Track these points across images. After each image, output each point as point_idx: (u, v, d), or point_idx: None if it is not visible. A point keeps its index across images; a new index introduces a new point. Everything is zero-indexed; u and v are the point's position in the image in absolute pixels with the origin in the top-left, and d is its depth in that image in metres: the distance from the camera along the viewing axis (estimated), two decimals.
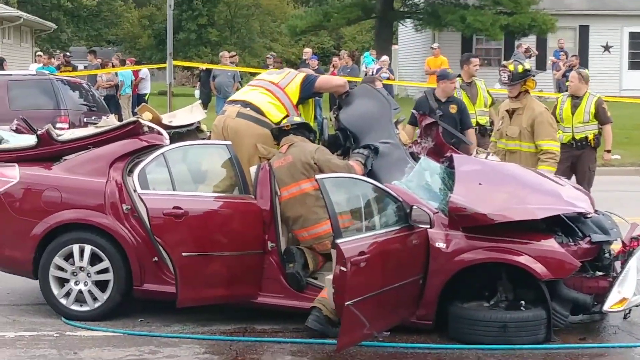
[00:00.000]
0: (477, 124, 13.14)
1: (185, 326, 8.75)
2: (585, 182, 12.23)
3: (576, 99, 12.67)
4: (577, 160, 12.65)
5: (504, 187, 8.79)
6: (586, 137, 12.65)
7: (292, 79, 9.69)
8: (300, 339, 8.36)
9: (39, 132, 9.23)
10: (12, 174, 9.08)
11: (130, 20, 60.14)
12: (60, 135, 9.37)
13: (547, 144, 10.88)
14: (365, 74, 29.45)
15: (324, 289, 8.30)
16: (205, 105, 26.83)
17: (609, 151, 13.14)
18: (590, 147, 12.66)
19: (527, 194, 8.72)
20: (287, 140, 8.98)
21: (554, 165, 10.84)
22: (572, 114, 12.62)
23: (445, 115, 11.84)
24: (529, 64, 11.89)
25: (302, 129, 9.07)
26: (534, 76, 11.36)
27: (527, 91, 11.16)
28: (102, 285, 8.87)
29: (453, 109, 12.14)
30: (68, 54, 31.64)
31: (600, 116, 12.60)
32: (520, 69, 11.09)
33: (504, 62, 11.64)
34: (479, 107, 13.26)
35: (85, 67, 30.58)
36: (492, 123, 13.21)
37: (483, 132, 13.24)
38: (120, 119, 13.00)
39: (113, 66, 28.33)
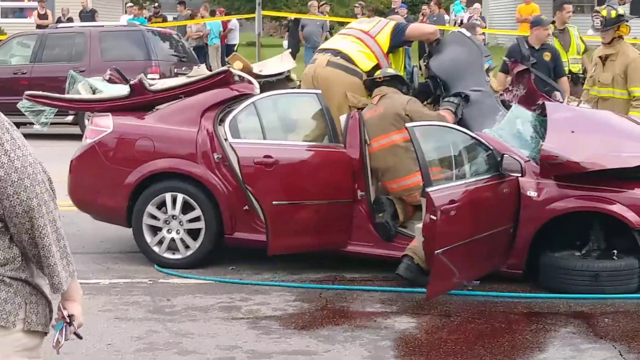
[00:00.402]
0: (570, 71, 12.94)
1: (275, 274, 8.84)
2: None
3: None
4: None
5: (597, 135, 8.66)
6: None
7: (382, 27, 9.63)
8: (389, 287, 8.38)
9: (131, 82, 9.34)
10: (106, 124, 9.22)
11: None
12: (152, 85, 9.47)
13: (639, 90, 10.67)
14: (455, 23, 29.20)
15: (415, 238, 8.29)
16: (293, 55, 26.85)
17: None
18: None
19: (621, 142, 8.59)
20: (379, 91, 8.94)
21: None
22: None
23: (538, 63, 11.65)
24: (623, 9, 11.64)
25: (394, 80, 9.02)
26: (627, 21, 11.14)
27: (620, 37, 10.96)
28: (194, 234, 8.98)
29: (547, 56, 11.94)
30: (157, 4, 31.84)
31: None
32: (613, 14, 10.90)
33: (596, 8, 11.48)
34: (571, 55, 13.05)
35: (174, 18, 30.80)
36: (584, 71, 13.02)
37: (576, 80, 13.04)
38: (209, 69, 13.09)
39: (202, 17, 28.47)
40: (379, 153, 8.74)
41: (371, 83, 9.11)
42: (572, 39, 13.12)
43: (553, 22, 13.20)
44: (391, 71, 9.10)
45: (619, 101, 10.79)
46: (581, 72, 13.04)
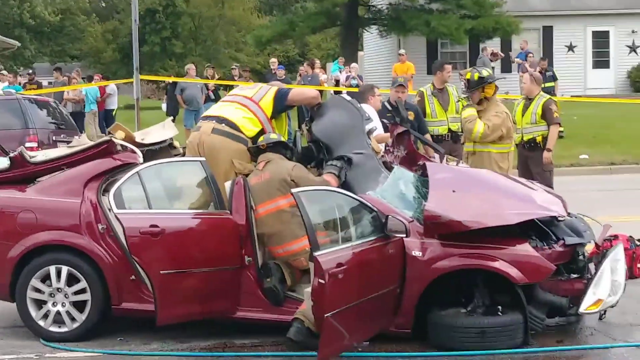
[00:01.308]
0: (449, 130, 13.29)
1: (164, 344, 8.75)
2: (542, 183, 12.40)
3: (528, 101, 12.97)
4: (530, 161, 12.92)
5: (478, 194, 8.86)
6: (534, 139, 12.89)
7: (265, 93, 9.72)
8: (280, 352, 8.39)
9: (11, 155, 9.21)
10: None
11: (94, 35, 59.90)
12: (33, 156, 9.36)
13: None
14: (336, 82, 29.57)
15: (304, 301, 8.33)
16: (173, 118, 26.84)
17: (548, 150, 13.13)
18: (540, 149, 12.86)
19: (501, 200, 8.81)
20: (264, 157, 9.00)
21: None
22: (522, 116, 12.92)
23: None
24: (488, 71, 12.10)
25: (278, 146, 9.09)
26: (490, 82, 11.65)
27: (487, 98, 11.55)
28: (80, 306, 8.85)
29: (410, 115, 12.21)
30: (31, 71, 31.49)
31: (546, 117, 12.81)
32: (476, 76, 11.54)
33: (461, 71, 12.07)
34: (450, 114, 13.37)
35: (50, 83, 30.45)
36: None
37: (455, 138, 13.36)
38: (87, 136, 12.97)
39: (75, 83, 28.22)
40: (265, 218, 8.78)
41: (256, 150, 9.17)
42: (450, 98, 13.45)
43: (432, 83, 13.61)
44: (274, 137, 9.16)
45: (485, 154, 11.30)
46: (460, 130, 13.37)
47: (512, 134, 12.05)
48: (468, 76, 11.69)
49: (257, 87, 10.07)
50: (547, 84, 25.00)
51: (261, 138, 9.20)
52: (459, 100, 13.36)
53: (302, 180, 8.65)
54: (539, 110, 12.82)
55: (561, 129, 23.98)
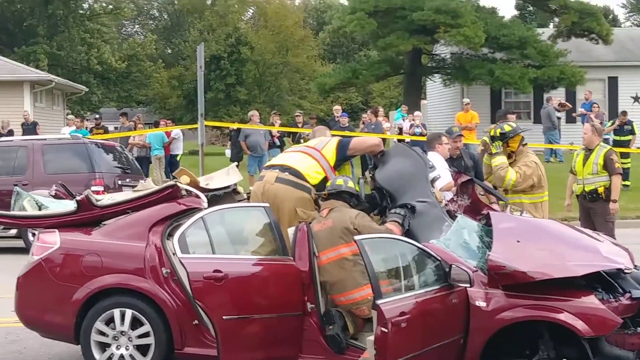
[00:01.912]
0: None
1: None
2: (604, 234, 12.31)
3: (588, 152, 12.89)
4: (592, 212, 12.81)
5: (543, 244, 8.77)
6: (596, 189, 12.78)
7: (327, 142, 9.80)
8: None
9: (78, 198, 9.32)
10: (53, 240, 9.17)
11: (160, 81, 60.67)
12: (99, 200, 9.46)
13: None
14: (399, 130, 29.57)
15: (366, 350, 8.28)
16: (237, 164, 26.99)
17: (614, 201, 13.06)
18: (602, 199, 12.76)
19: (566, 251, 8.71)
20: (328, 204, 9.01)
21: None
22: (583, 166, 12.83)
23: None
24: (510, 125, 12.03)
25: (342, 193, 9.10)
26: (512, 137, 11.62)
27: (513, 152, 11.78)
28: (143, 349, 8.89)
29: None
30: (97, 116, 31.94)
31: (608, 167, 12.72)
32: (497, 132, 11.65)
33: (485, 129, 12.20)
34: None
35: (116, 128, 30.83)
36: None
37: None
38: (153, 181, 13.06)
39: (137, 127, 28.56)
40: (327, 266, 8.77)
41: (320, 196, 9.19)
42: None
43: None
44: (340, 183, 9.11)
45: (518, 205, 11.29)
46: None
47: (544, 184, 11.90)
48: (492, 132, 11.81)
49: (320, 138, 10.15)
50: (624, 137, 24.83)
51: (328, 183, 9.20)
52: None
53: (365, 229, 8.63)
54: (600, 161, 12.74)
55: (627, 182, 23.83)
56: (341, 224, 8.75)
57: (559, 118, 32.72)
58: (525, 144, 11.97)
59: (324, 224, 8.85)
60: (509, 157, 11.73)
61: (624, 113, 26.88)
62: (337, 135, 10.37)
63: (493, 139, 11.75)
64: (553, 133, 32.14)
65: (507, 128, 11.83)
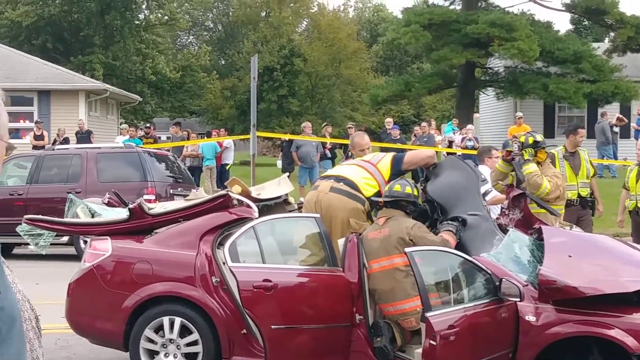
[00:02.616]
0: (579, 195, 13.11)
1: None
2: None
3: None
4: None
5: (594, 259, 8.71)
6: None
7: (383, 157, 9.82)
8: None
9: (131, 206, 9.40)
10: (105, 247, 9.25)
11: (213, 92, 61.04)
12: (151, 208, 9.54)
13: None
14: (450, 143, 29.51)
15: None
16: (288, 174, 27.11)
17: None
18: None
19: (618, 266, 8.64)
20: (386, 212, 8.99)
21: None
22: (637, 182, 12.68)
23: None
24: (541, 136, 11.82)
25: (400, 202, 9.06)
26: (542, 148, 11.47)
27: (539, 162, 11.47)
28: (191, 357, 8.94)
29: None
30: (148, 125, 32.21)
31: None
32: (530, 140, 11.38)
33: (515, 134, 11.99)
34: (581, 179, 13.21)
35: (168, 137, 31.07)
36: (592, 194, 13.24)
37: (584, 203, 13.18)
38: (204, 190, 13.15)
39: (190, 137, 28.77)
40: (379, 274, 8.77)
41: (377, 204, 9.17)
42: (582, 162, 13.29)
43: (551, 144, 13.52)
44: (398, 189, 9.05)
45: (542, 215, 11.20)
46: (589, 196, 13.19)
47: (565, 196, 11.75)
48: (522, 139, 11.60)
49: (374, 153, 10.21)
50: None
51: (386, 187, 9.17)
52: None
53: (420, 240, 8.61)
54: None
55: None
56: (397, 234, 8.73)
57: (616, 133, 32.46)
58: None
59: (381, 232, 8.83)
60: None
61: None
62: (390, 148, 10.37)
63: (523, 145, 11.58)
64: (607, 148, 31.90)
65: (539, 138, 11.66)
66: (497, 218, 9.80)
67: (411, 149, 21.76)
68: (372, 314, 8.87)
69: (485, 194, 9.85)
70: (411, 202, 9.04)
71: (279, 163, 30.12)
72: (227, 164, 28.64)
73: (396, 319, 8.75)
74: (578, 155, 13.40)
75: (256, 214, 9.27)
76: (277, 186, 10.48)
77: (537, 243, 9.17)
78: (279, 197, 10.22)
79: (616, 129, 32.48)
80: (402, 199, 8.99)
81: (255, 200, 9.71)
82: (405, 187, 9.05)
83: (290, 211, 10.17)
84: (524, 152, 11.49)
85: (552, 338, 8.18)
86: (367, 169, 9.60)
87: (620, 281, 8.33)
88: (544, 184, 11.34)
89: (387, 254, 8.73)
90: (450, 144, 30.01)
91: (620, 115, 33.13)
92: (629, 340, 8.03)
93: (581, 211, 13.11)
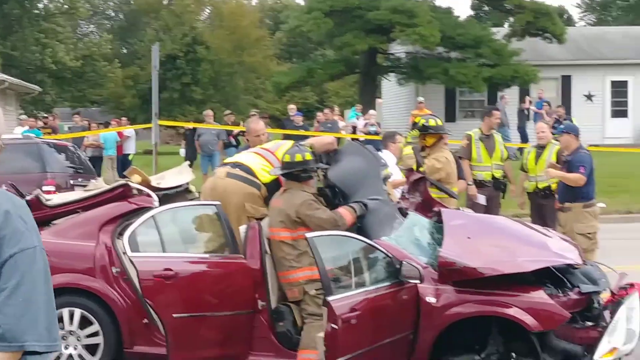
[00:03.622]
0: (493, 177, 13.32)
1: None
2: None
3: (540, 149, 12.98)
4: (545, 209, 12.92)
5: (493, 240, 8.84)
6: (549, 186, 12.89)
7: (282, 144, 9.80)
8: None
9: (27, 198, 9.25)
10: None
11: (115, 81, 60.35)
12: (49, 199, 9.40)
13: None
14: (353, 129, 29.64)
15: (304, 350, 8.30)
16: (191, 163, 26.97)
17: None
18: (554, 196, 12.81)
19: (516, 247, 8.77)
20: (287, 184, 8.93)
21: None
22: (535, 164, 12.90)
23: None
24: (436, 122, 11.92)
25: (292, 173, 8.85)
26: (432, 133, 11.62)
27: (426, 146, 11.67)
28: (92, 349, 8.85)
29: None
30: (46, 115, 31.70)
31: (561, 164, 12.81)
32: (421, 123, 11.56)
33: (413, 112, 12.25)
34: (495, 161, 13.44)
35: (69, 128, 30.66)
36: (505, 176, 13.46)
37: (497, 185, 13.39)
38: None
39: (91, 127, 28.42)
40: (272, 243, 8.80)
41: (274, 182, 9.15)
42: (496, 144, 13.50)
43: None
44: (287, 161, 8.85)
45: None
46: (502, 178, 13.40)
47: (452, 180, 11.80)
48: (417, 120, 11.82)
49: (274, 141, 10.20)
50: None
51: (286, 157, 8.99)
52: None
53: (307, 218, 8.58)
54: (553, 158, 12.80)
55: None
56: (286, 209, 8.68)
57: (526, 115, 33.14)
58: (446, 143, 12.03)
59: (277, 202, 8.82)
60: (422, 150, 11.68)
61: (560, 106, 27.22)
62: (293, 135, 10.37)
63: (414, 125, 11.80)
64: (503, 130, 32.53)
65: (432, 123, 11.80)
66: (398, 202, 9.87)
67: (314, 136, 21.83)
68: (275, 299, 8.87)
69: (386, 178, 9.87)
70: (302, 169, 8.86)
71: (182, 152, 29.93)
72: (129, 154, 28.37)
73: (284, 287, 8.75)
74: (493, 138, 13.63)
75: (156, 203, 9.20)
76: (178, 175, 10.42)
77: (436, 226, 9.27)
78: (180, 186, 10.16)
79: (527, 112, 33.09)
80: (293, 170, 8.88)
81: (155, 189, 9.64)
82: (294, 155, 8.86)
83: (191, 200, 10.10)
84: (409, 133, 11.62)
85: (452, 318, 8.28)
86: (264, 157, 9.58)
87: (518, 261, 8.46)
88: (415, 167, 11.46)
89: (275, 226, 8.72)
90: (354, 129, 30.13)
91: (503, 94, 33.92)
92: (528, 319, 8.16)
93: (493, 192, 13.32)
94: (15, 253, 2.93)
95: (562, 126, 13.00)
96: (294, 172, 8.82)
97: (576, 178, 11.83)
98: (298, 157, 8.81)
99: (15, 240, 2.95)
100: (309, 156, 8.84)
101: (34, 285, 2.94)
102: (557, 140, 12.98)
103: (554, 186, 12.84)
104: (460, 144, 13.75)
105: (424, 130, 11.69)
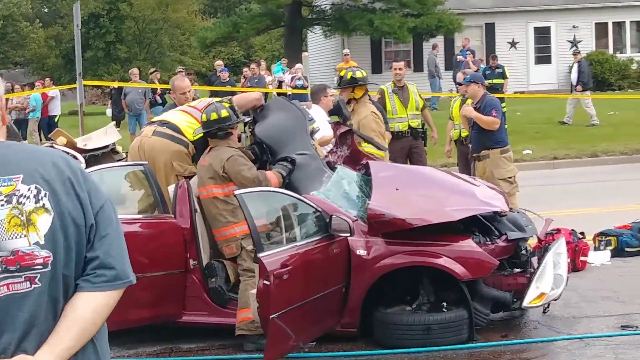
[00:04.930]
0: (409, 127, 13.44)
1: (110, 350, 8.67)
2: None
3: (464, 98, 13.27)
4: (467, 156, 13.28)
5: (421, 191, 8.93)
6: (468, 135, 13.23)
7: (208, 102, 9.71)
8: (226, 355, 8.38)
9: None
10: None
11: (37, 41, 59.33)
12: None
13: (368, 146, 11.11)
14: (279, 84, 29.57)
15: (243, 309, 8.33)
16: (118, 123, 26.74)
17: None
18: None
19: (444, 196, 8.87)
20: (212, 142, 8.87)
21: None
22: (460, 112, 13.20)
23: None
24: (362, 73, 12.08)
25: (209, 133, 8.84)
26: (361, 85, 11.71)
27: (354, 98, 11.76)
28: None
29: None
30: None
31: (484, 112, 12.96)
32: (349, 75, 11.65)
33: (337, 66, 12.28)
34: (410, 111, 13.57)
35: None
36: (423, 125, 13.62)
37: (415, 134, 13.53)
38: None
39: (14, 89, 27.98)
40: (204, 202, 8.78)
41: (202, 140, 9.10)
42: (410, 95, 13.59)
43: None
44: (204, 120, 8.86)
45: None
46: (420, 127, 13.54)
47: (381, 135, 11.92)
48: (342, 73, 11.87)
49: (201, 99, 10.13)
50: (496, 80, 25.25)
51: (203, 117, 8.91)
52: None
53: (233, 174, 8.55)
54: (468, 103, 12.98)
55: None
56: (213, 165, 8.64)
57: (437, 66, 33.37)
58: (368, 95, 12.12)
59: (205, 161, 8.78)
60: (348, 102, 11.72)
61: (494, 57, 27.45)
62: (220, 92, 10.32)
63: (341, 80, 11.84)
64: (432, 81, 32.80)
65: (358, 75, 11.88)
66: (326, 156, 9.89)
67: (241, 92, 21.73)
68: (207, 258, 8.87)
69: (313, 133, 9.88)
70: (217, 128, 8.77)
71: (109, 111, 29.64)
72: (55, 115, 28.00)
73: (220, 245, 8.75)
74: (407, 89, 13.70)
75: (83, 165, 9.10)
76: (104, 135, 10.31)
77: (365, 178, 9.32)
78: (106, 146, 10.05)
79: (437, 60, 33.41)
80: (210, 129, 8.80)
81: (81, 151, 9.55)
82: (210, 113, 8.81)
83: (118, 160, 10.01)
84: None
85: (383, 270, 8.36)
86: (191, 114, 9.51)
87: (446, 211, 8.56)
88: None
89: (204, 185, 8.70)
90: (280, 84, 30.06)
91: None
92: (457, 268, 8.28)
93: (413, 142, 13.45)
94: (103, 204, 3.25)
95: (467, 77, 13.12)
96: (212, 131, 8.80)
97: (490, 120, 12.01)
98: (214, 116, 8.76)
99: (99, 192, 3.27)
100: (225, 113, 8.76)
101: (120, 229, 3.34)
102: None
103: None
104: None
105: (353, 83, 11.72)
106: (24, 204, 3.07)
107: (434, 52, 33.12)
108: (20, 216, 3.06)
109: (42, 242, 3.07)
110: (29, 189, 3.09)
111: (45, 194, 3.11)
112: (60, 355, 3.10)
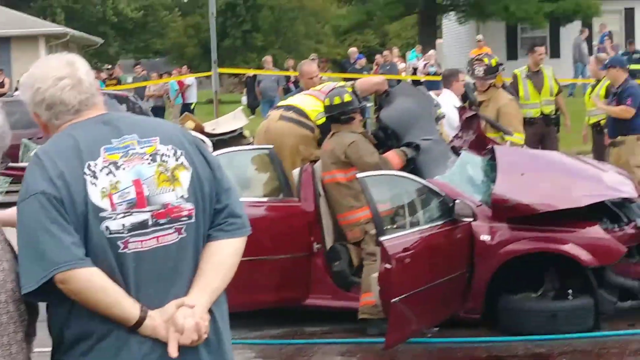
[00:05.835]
0: (542, 113, 13.21)
1: (235, 332, 8.76)
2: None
3: (596, 84, 12.92)
4: (597, 143, 12.96)
5: (547, 176, 8.80)
6: (599, 122, 12.95)
7: (333, 86, 9.77)
8: (349, 338, 8.42)
9: None
10: None
11: (177, 30, 60.42)
12: None
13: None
14: (414, 71, 29.48)
15: (366, 293, 8.34)
16: (253, 110, 27.10)
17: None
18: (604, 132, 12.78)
19: (571, 182, 8.73)
20: (334, 127, 8.88)
21: None
22: (590, 98, 12.88)
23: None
24: (496, 60, 11.97)
25: (331, 118, 8.86)
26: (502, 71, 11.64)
27: (494, 85, 11.58)
28: None
29: None
30: (111, 66, 31.96)
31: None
32: (493, 62, 11.42)
33: (476, 56, 12.00)
34: (544, 97, 13.31)
35: (134, 78, 30.95)
36: (557, 111, 13.36)
37: (547, 121, 13.28)
38: None
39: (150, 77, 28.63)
40: (327, 187, 8.82)
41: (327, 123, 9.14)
42: (545, 80, 13.36)
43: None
44: (326, 105, 8.89)
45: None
46: (553, 113, 13.29)
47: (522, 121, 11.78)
48: (486, 60, 11.64)
49: (326, 83, 10.19)
50: (633, 66, 24.63)
51: (326, 101, 8.95)
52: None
53: (355, 159, 8.53)
54: (602, 92, 12.66)
55: None
56: (335, 150, 8.68)
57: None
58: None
59: (327, 145, 8.82)
60: (487, 89, 11.58)
61: (631, 43, 26.74)
62: (353, 78, 10.35)
63: (490, 69, 11.63)
64: (576, 66, 32.15)
65: (494, 62, 11.75)
66: (451, 141, 9.84)
67: None
68: (330, 241, 8.92)
69: (439, 118, 9.82)
70: (341, 112, 8.77)
71: (244, 99, 30.06)
72: (190, 103, 28.51)
73: (344, 229, 8.78)
74: (541, 73, 13.46)
75: (210, 149, 9.26)
76: (232, 120, 10.50)
77: (490, 163, 9.23)
78: (234, 131, 10.22)
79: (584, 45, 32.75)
80: (333, 113, 8.83)
81: (209, 135, 9.71)
82: (333, 98, 8.83)
83: (245, 144, 10.16)
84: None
85: (507, 256, 8.27)
86: (317, 97, 9.57)
87: (572, 196, 8.42)
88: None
89: (328, 169, 8.73)
90: (414, 71, 29.96)
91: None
92: (583, 254, 8.14)
93: (545, 128, 13.22)
94: (219, 163, 3.58)
95: (607, 61, 12.80)
96: (334, 115, 8.82)
97: (621, 110, 11.70)
98: (337, 100, 8.78)
99: (212, 154, 3.73)
100: (348, 97, 8.77)
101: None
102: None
103: (603, 122, 12.73)
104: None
105: (498, 70, 11.60)
106: (167, 161, 3.39)
107: (580, 37, 32.43)
108: (166, 172, 3.38)
109: (186, 195, 3.39)
110: (167, 149, 3.41)
111: (182, 152, 3.44)
112: (210, 295, 3.42)
